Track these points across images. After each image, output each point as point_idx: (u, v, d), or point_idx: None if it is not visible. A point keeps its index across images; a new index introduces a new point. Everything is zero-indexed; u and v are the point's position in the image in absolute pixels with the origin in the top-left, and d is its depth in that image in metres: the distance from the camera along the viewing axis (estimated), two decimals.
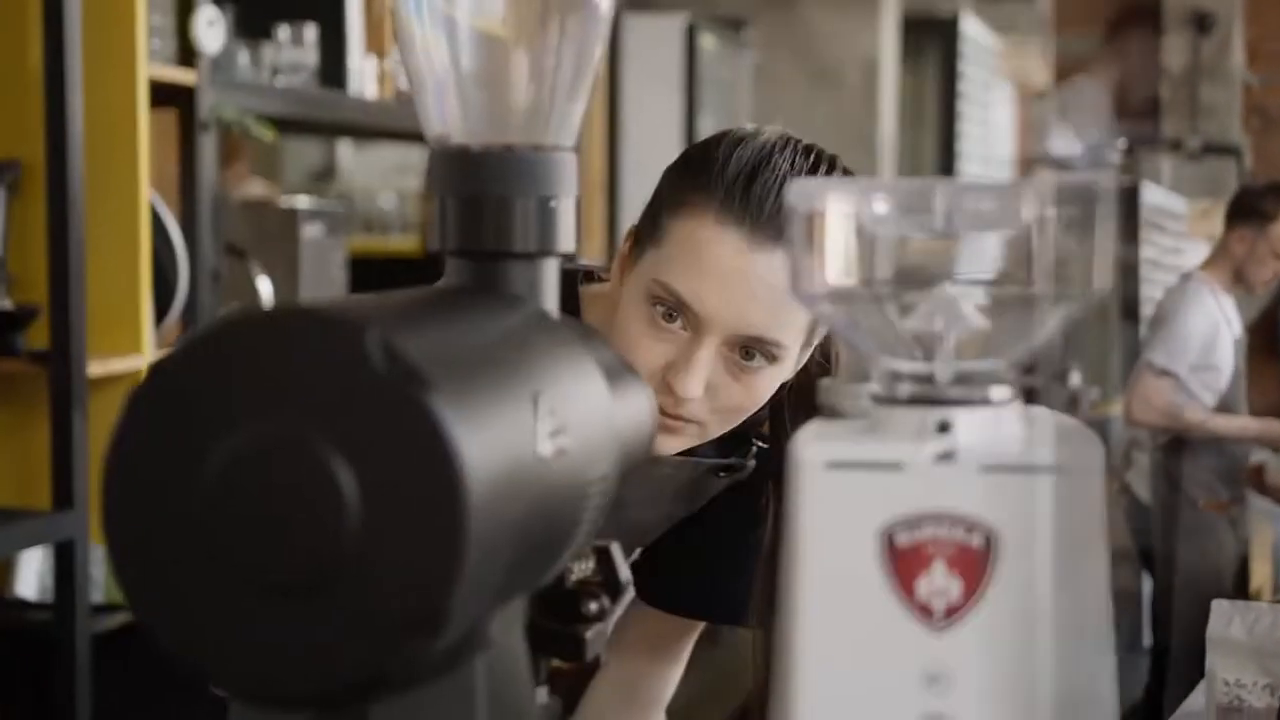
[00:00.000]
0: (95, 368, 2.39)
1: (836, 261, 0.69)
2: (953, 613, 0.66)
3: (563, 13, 0.80)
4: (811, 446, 0.67)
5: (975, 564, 0.65)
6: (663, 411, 1.27)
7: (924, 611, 0.66)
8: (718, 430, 1.32)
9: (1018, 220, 0.66)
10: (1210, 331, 4.33)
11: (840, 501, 0.66)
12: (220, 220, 2.80)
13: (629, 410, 0.81)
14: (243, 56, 2.90)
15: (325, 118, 3.19)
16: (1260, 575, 7.02)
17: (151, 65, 2.52)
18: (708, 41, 5.18)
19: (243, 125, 2.69)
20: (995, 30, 8.20)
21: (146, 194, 2.48)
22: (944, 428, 0.67)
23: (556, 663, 0.92)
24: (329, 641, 0.60)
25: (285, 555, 0.60)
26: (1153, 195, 7.28)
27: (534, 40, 0.80)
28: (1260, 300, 9.72)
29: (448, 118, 0.79)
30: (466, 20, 0.79)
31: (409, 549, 0.59)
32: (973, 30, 7.39)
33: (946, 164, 7.27)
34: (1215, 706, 1.98)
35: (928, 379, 0.69)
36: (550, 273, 0.79)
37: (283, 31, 2.99)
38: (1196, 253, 8.27)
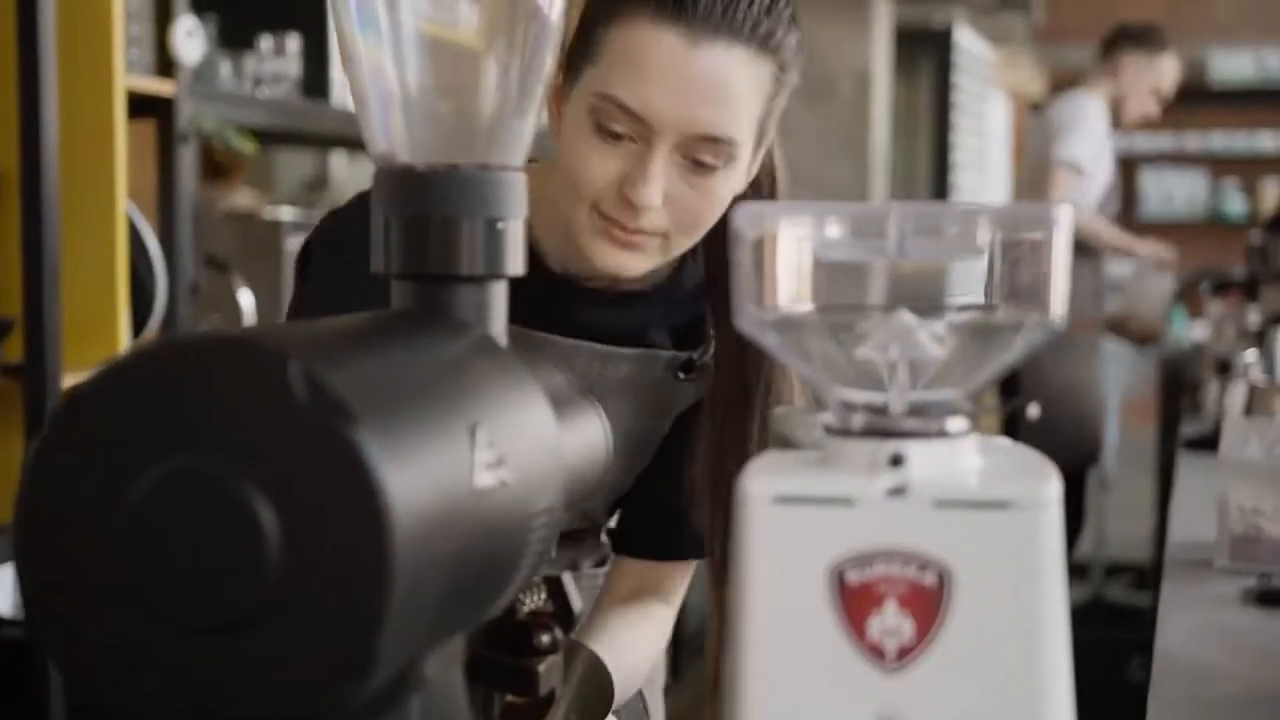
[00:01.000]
0: (71, 381, 2.36)
1: (787, 288, 0.66)
2: (905, 654, 0.63)
3: (511, 24, 0.78)
4: (759, 480, 0.64)
5: (928, 603, 0.63)
6: (623, 228, 1.27)
7: (875, 652, 0.63)
8: (681, 243, 1.30)
9: (974, 246, 0.64)
10: (1100, 142, 4.42)
11: (789, 537, 0.64)
12: (200, 232, 2.77)
13: (578, 438, 0.78)
14: (224, 67, 2.87)
15: (308, 128, 3.16)
16: None
17: (130, 76, 2.49)
18: None
19: (223, 136, 2.66)
20: (989, 41, 8.17)
21: (124, 205, 2.45)
22: (897, 461, 0.64)
23: (510, 697, 0.90)
24: (253, 684, 0.58)
25: (205, 594, 0.57)
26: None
27: (481, 54, 0.78)
28: None
29: (392, 135, 0.77)
30: (412, 33, 0.77)
31: (333, 588, 0.57)
32: (966, 41, 7.37)
33: (940, 174, 7.25)
34: (1229, 535, 1.85)
35: (882, 409, 0.66)
36: (499, 295, 0.77)
37: (265, 42, 2.97)
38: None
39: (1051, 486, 0.63)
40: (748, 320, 0.66)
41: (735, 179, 1.29)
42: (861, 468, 0.64)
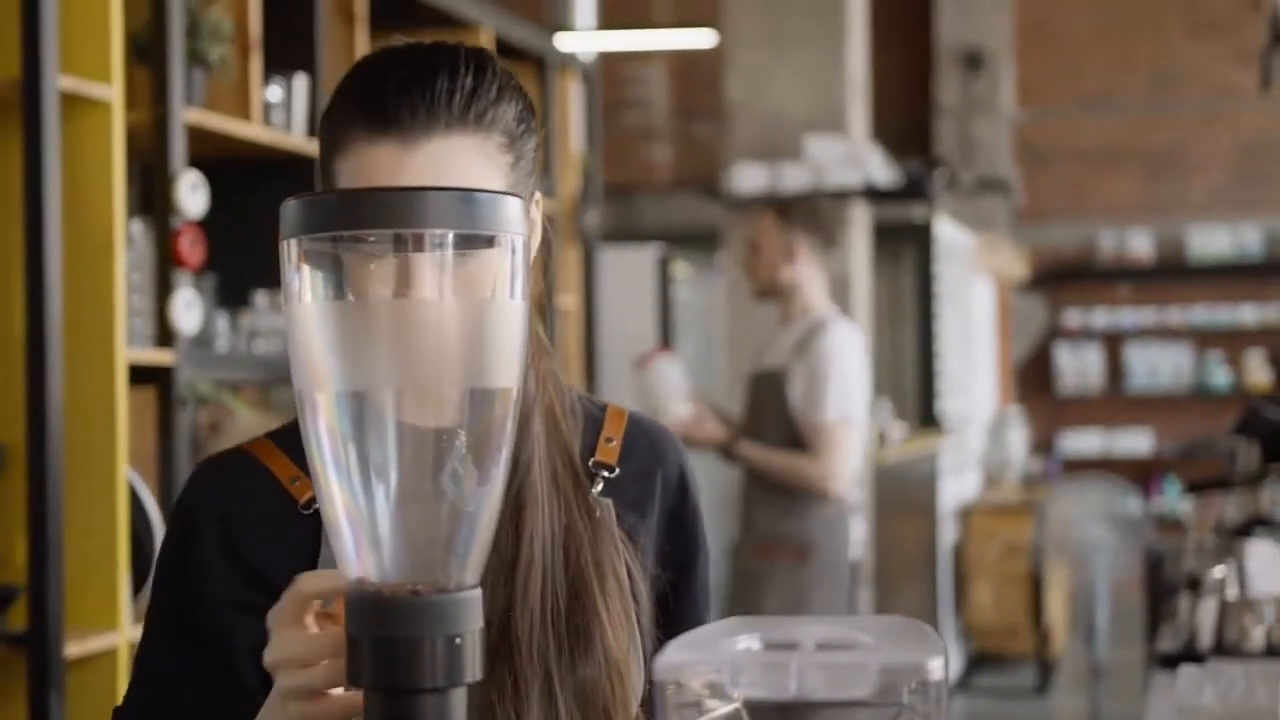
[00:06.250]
0: (73, 648, 2.43)
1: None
2: None
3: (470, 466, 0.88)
4: None
5: None
6: None
7: None
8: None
9: (865, 689, 0.74)
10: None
11: None
12: None
13: None
14: (222, 323, 3.00)
15: None
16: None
17: (131, 349, 2.61)
18: (680, 269, 5.32)
19: (219, 400, 2.78)
20: (970, 225, 8.36)
21: (124, 473, 2.55)
22: None
23: None
24: None
25: None
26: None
27: (440, 493, 0.88)
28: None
29: (362, 562, 0.87)
30: (381, 478, 0.87)
31: None
32: (946, 232, 7.55)
33: (925, 364, 7.39)
34: None
35: None
36: (458, 702, 0.86)
37: (260, 297, 3.10)
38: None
39: None
40: None
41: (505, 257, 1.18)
42: None
